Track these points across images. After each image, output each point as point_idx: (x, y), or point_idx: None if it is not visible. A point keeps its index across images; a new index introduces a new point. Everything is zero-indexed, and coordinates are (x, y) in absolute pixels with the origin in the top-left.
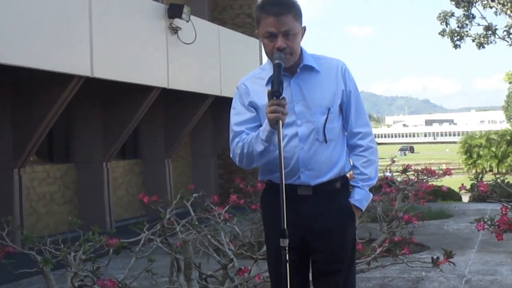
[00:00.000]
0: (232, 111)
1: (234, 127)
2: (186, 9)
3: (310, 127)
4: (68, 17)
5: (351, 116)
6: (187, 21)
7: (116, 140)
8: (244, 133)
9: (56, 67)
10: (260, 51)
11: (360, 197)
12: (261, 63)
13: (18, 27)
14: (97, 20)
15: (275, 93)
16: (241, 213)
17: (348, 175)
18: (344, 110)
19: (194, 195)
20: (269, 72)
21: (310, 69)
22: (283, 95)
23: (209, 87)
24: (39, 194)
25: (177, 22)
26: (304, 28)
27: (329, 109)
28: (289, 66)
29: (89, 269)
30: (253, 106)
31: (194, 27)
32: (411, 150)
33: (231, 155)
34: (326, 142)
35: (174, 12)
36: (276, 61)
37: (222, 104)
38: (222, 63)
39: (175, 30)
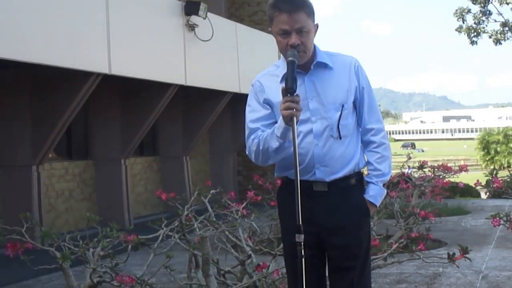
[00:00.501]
0: (248, 108)
1: (249, 124)
2: (203, 6)
3: (325, 123)
4: (86, 14)
5: (364, 112)
6: (204, 18)
7: (134, 137)
8: (259, 130)
9: (75, 64)
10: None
11: (375, 193)
12: (279, 59)
13: (36, 25)
14: (114, 17)
15: (289, 90)
16: (259, 210)
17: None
18: (357, 106)
19: (211, 191)
20: (283, 69)
21: (323, 66)
22: (297, 92)
23: (227, 84)
24: (57, 191)
25: (194, 19)
26: (317, 26)
27: (343, 106)
28: (303, 63)
29: (107, 266)
30: (268, 103)
31: (211, 24)
32: (413, 146)
33: (247, 152)
34: (340, 138)
35: (191, 9)
36: (290, 58)
37: (240, 101)
38: (240, 60)
39: (192, 27)
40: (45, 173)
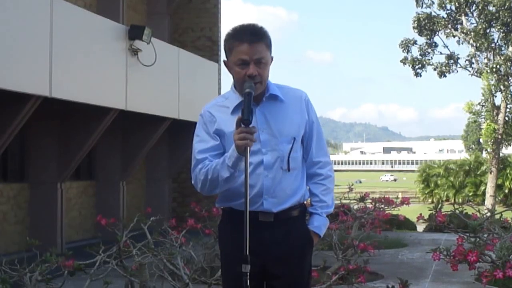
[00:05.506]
0: (196, 138)
1: (197, 155)
2: (147, 31)
3: (275, 155)
4: (28, 36)
5: (312, 145)
6: (148, 43)
7: (71, 161)
8: (207, 159)
9: (15, 86)
10: (219, 75)
11: (319, 224)
12: (219, 87)
13: None
14: (57, 39)
15: (245, 121)
16: (195, 237)
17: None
18: (305, 139)
19: (151, 218)
20: (233, 100)
21: (275, 98)
22: None
23: (167, 109)
24: None
25: (137, 43)
26: (272, 58)
27: (294, 139)
28: (255, 95)
29: None
30: (219, 134)
31: (154, 49)
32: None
33: (192, 182)
34: (289, 170)
35: (134, 33)
36: (247, 90)
37: (179, 127)
38: (181, 86)
39: (135, 52)
40: None
